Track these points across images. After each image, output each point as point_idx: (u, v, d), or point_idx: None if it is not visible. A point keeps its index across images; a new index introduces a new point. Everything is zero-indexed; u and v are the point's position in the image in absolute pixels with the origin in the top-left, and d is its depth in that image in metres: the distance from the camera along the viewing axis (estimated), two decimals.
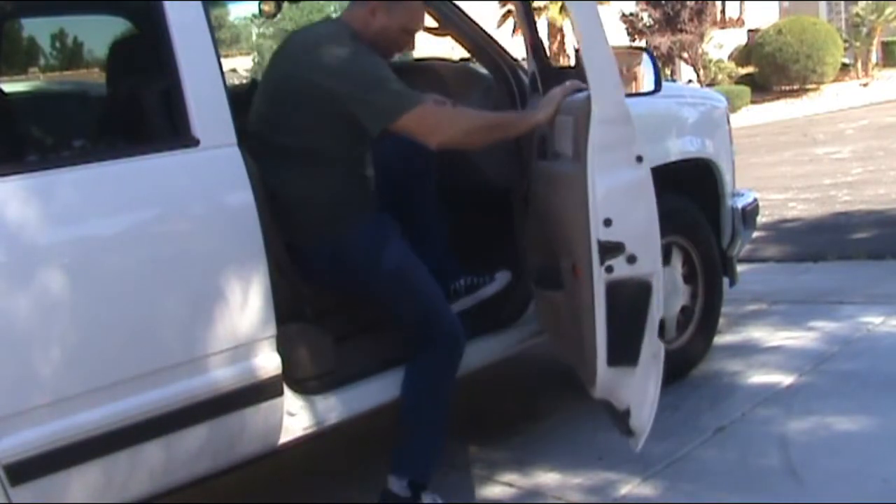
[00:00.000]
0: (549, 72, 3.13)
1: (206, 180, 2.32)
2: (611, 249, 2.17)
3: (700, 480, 2.74)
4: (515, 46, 3.47)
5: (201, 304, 2.26)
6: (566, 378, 3.63)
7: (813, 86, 21.72)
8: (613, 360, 2.27)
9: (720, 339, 3.87)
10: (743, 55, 24.04)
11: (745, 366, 3.64)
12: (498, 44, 3.26)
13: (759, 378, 3.51)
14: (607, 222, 2.17)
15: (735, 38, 25.04)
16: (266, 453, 2.47)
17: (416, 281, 2.60)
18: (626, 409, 2.33)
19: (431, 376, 2.59)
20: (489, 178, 3.14)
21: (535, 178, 2.75)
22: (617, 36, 21.14)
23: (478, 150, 2.84)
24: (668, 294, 3.14)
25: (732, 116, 4.32)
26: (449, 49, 3.19)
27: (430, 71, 3.37)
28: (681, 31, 21.72)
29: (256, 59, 41.09)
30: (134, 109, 2.53)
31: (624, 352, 2.27)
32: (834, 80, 22.08)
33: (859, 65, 23.16)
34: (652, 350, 2.27)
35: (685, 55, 22.43)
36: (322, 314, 2.65)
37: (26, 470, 2.00)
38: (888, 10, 22.59)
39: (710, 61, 23.03)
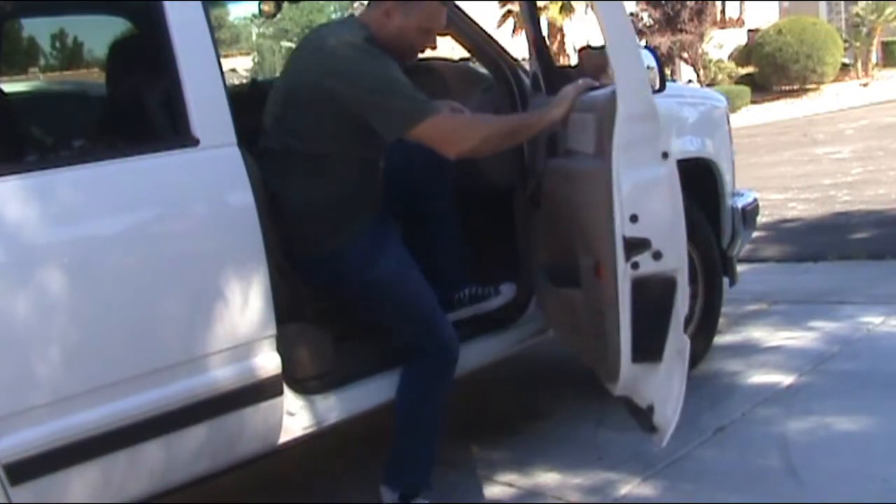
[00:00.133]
0: (552, 71, 3.13)
1: (205, 180, 2.31)
2: (637, 246, 2.18)
3: (700, 480, 2.74)
4: (515, 46, 3.47)
5: (201, 304, 2.26)
6: (566, 378, 3.64)
7: (813, 86, 21.73)
8: (638, 357, 2.27)
9: (720, 339, 3.87)
10: (743, 55, 24.05)
11: (745, 366, 3.64)
12: (498, 44, 3.26)
13: (759, 378, 3.51)
14: (633, 218, 2.17)
15: (735, 38, 25.05)
16: (266, 453, 2.47)
17: (410, 291, 2.57)
18: (650, 406, 2.33)
19: (423, 385, 2.58)
20: (490, 178, 3.14)
21: (547, 176, 2.74)
22: None
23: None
24: None
25: (732, 116, 4.33)
26: (449, 49, 3.18)
27: (431, 71, 3.36)
28: (681, 31, 21.74)
29: (256, 59, 41.13)
30: (134, 109, 2.53)
31: (648, 348, 2.27)
32: (834, 80, 22.09)
33: (859, 65, 23.17)
34: (676, 346, 2.27)
35: (685, 55, 22.44)
36: (322, 314, 2.65)
37: (26, 469, 2.00)
38: (888, 10, 22.60)
39: (710, 61, 23.04)
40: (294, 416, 2.47)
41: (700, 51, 22.38)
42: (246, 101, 2.63)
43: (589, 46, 3.25)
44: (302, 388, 2.50)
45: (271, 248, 2.36)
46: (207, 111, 2.29)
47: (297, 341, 2.49)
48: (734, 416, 3.14)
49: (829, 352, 3.71)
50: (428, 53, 2.75)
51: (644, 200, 2.18)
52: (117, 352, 2.13)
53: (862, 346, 3.75)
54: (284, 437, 2.46)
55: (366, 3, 2.71)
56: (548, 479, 2.90)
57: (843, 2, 25.38)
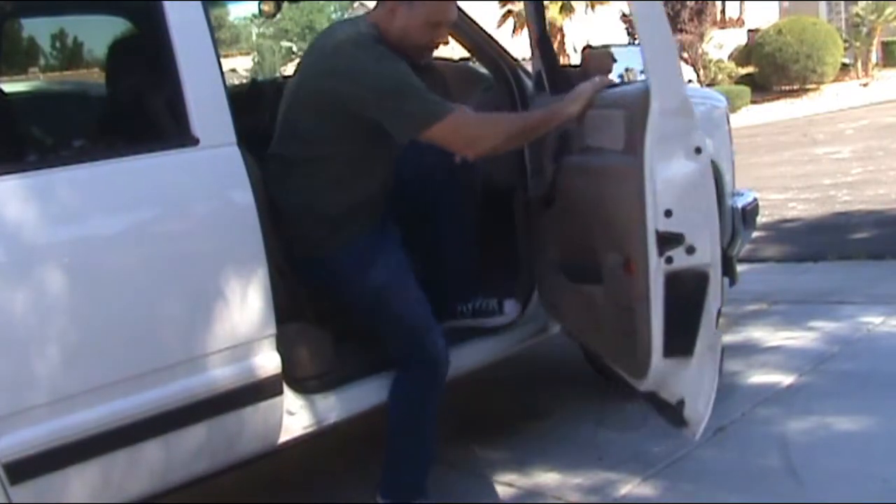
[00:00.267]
0: (556, 70, 3.12)
1: (205, 179, 2.31)
2: (670, 240, 2.18)
3: (700, 480, 2.74)
4: (515, 46, 3.47)
5: (201, 303, 2.26)
6: (566, 378, 3.64)
7: (813, 86, 21.72)
8: (668, 352, 2.27)
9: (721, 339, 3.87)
10: (743, 55, 24.05)
11: (745, 366, 3.64)
12: (498, 44, 3.26)
13: (759, 378, 3.51)
14: (668, 213, 2.17)
15: (735, 38, 25.05)
16: (266, 452, 2.47)
17: (399, 301, 2.54)
18: (680, 400, 2.34)
19: (412, 394, 2.57)
20: (488, 178, 3.13)
21: (562, 173, 2.74)
22: (617, 36, 21.14)
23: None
24: None
25: (732, 116, 4.33)
26: (449, 49, 3.18)
27: (431, 71, 3.36)
28: (681, 31, 21.71)
29: (256, 59, 41.14)
30: (133, 109, 2.53)
31: (679, 343, 2.27)
32: (834, 80, 22.08)
33: (859, 65, 23.16)
34: (708, 341, 2.27)
35: (685, 55, 22.44)
36: (322, 314, 2.65)
37: (26, 469, 2.00)
38: (888, 10, 22.58)
39: (710, 61, 23.04)
40: (294, 416, 2.47)
41: (700, 51, 22.38)
42: (246, 101, 2.63)
43: (590, 46, 3.25)
44: (302, 388, 2.50)
45: (271, 247, 2.36)
46: (207, 111, 2.29)
47: (297, 341, 2.49)
48: (734, 416, 3.14)
49: (829, 352, 3.71)
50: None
51: (678, 195, 2.18)
52: (117, 351, 2.13)
53: (862, 346, 3.75)
54: (284, 437, 2.46)
55: (366, 2, 2.71)
56: (548, 479, 2.90)
57: (843, 2, 25.36)
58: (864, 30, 23.22)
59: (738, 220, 3.74)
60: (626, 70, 2.83)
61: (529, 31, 3.19)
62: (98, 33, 3.45)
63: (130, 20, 3.01)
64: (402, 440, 2.57)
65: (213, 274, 2.27)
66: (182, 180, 2.28)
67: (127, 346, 2.15)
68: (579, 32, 22.13)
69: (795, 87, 21.74)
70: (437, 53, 2.75)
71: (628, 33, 22.63)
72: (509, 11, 23.83)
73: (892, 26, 23.41)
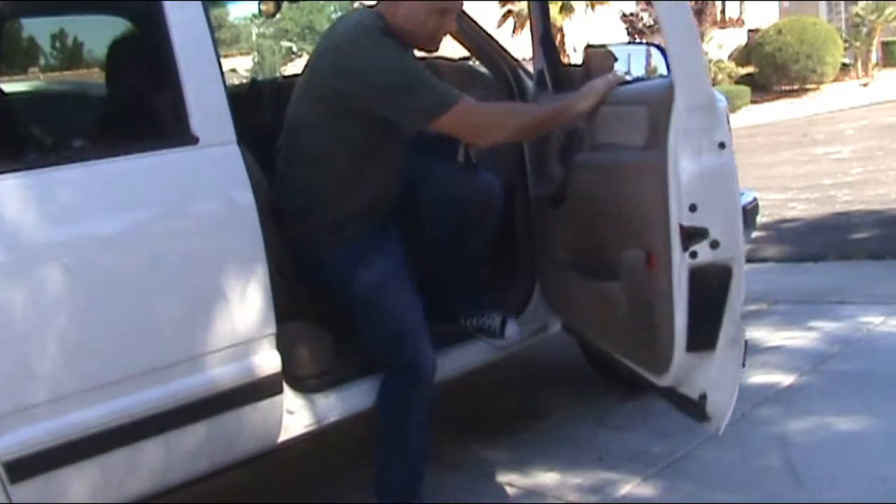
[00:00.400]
0: (558, 69, 3.12)
1: (205, 178, 2.31)
2: (695, 235, 2.19)
3: (700, 480, 2.74)
4: (516, 46, 3.47)
5: (200, 302, 2.26)
6: (566, 378, 3.64)
7: (813, 86, 21.72)
8: (692, 346, 2.27)
9: None
10: (743, 55, 24.05)
11: (745, 366, 3.63)
12: (498, 43, 3.26)
13: (759, 378, 3.50)
14: (692, 208, 2.18)
15: (735, 38, 25.05)
16: (266, 452, 2.47)
17: (390, 304, 2.50)
18: (703, 395, 2.34)
19: (396, 399, 2.54)
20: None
21: (574, 171, 2.73)
22: (617, 36, 21.14)
23: (480, 150, 2.84)
24: None
25: (732, 116, 4.31)
26: (449, 49, 3.18)
27: (430, 69, 3.36)
28: None
29: (256, 59, 41.15)
30: (133, 108, 2.53)
31: (703, 337, 2.27)
32: (834, 80, 22.08)
33: (859, 65, 23.16)
34: (731, 334, 2.28)
35: None
36: (322, 313, 2.65)
37: (26, 467, 2.00)
38: (888, 10, 22.58)
39: (710, 61, 23.04)
40: (294, 415, 2.47)
41: None
42: (246, 101, 2.63)
43: (592, 45, 3.25)
44: (302, 387, 2.50)
45: (271, 246, 2.36)
46: (207, 109, 2.29)
47: (296, 340, 2.49)
48: (734, 416, 3.10)
49: (829, 352, 3.71)
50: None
51: (702, 190, 2.19)
52: (117, 350, 2.13)
53: (862, 346, 3.75)
54: (284, 436, 2.46)
55: (366, 2, 2.71)
56: (548, 479, 2.90)
57: (843, 2, 25.35)
58: (864, 30, 23.22)
59: None
60: (625, 73, 2.84)
61: (532, 29, 3.19)
62: (98, 33, 3.45)
63: (130, 20, 3.01)
64: (390, 443, 2.55)
65: (213, 273, 2.27)
66: (182, 179, 2.28)
67: (127, 345, 2.15)
68: (579, 32, 22.13)
69: (795, 87, 21.74)
70: (436, 53, 2.75)
71: (628, 34, 22.66)
72: (509, 11, 23.83)
73: (892, 26, 23.40)
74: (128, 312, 2.15)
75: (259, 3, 3.81)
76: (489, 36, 3.23)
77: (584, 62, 3.14)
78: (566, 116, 2.58)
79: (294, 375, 2.46)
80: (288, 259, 2.54)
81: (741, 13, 26.55)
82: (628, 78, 2.58)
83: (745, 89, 21.07)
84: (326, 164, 2.47)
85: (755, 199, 4.00)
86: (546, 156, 2.95)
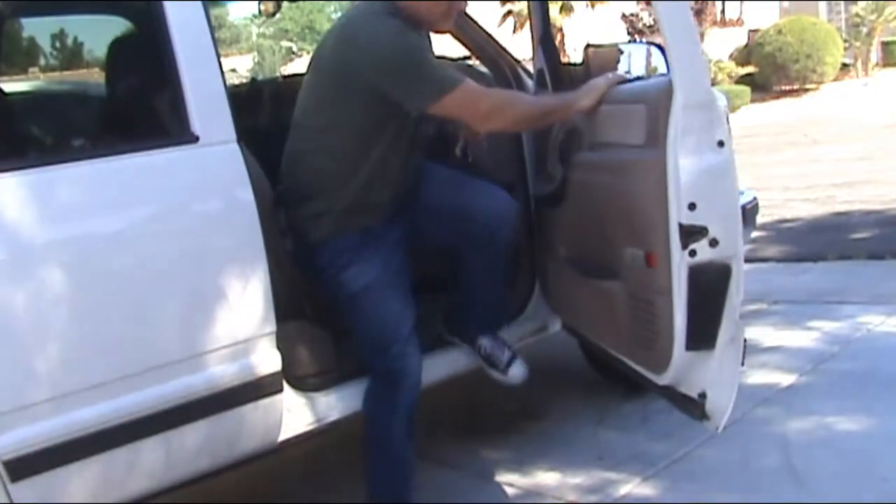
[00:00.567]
0: (558, 68, 3.12)
1: (205, 177, 2.31)
2: (694, 233, 2.19)
3: (700, 480, 2.74)
4: (515, 46, 3.47)
5: (201, 301, 2.26)
6: (566, 378, 3.64)
7: (813, 86, 21.74)
8: (691, 345, 2.28)
9: None
10: (743, 55, 24.06)
11: (745, 366, 3.63)
12: (498, 43, 3.26)
13: (759, 378, 3.51)
14: (691, 206, 2.18)
15: (735, 38, 25.05)
16: (266, 451, 2.47)
17: (377, 308, 2.46)
18: (702, 393, 2.34)
19: (378, 405, 2.53)
20: (488, 177, 3.13)
21: (574, 170, 2.74)
22: (617, 36, 21.15)
23: (479, 148, 2.83)
24: None
25: (732, 116, 4.32)
26: (449, 48, 3.19)
27: None
28: None
29: (256, 59, 41.16)
30: (133, 107, 2.53)
31: (702, 336, 2.27)
32: (834, 80, 22.10)
33: (859, 64, 23.17)
34: (730, 333, 2.28)
35: None
36: (322, 311, 2.65)
37: (26, 466, 2.00)
38: (888, 10, 22.60)
39: (710, 61, 23.04)
40: (294, 414, 2.48)
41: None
42: (246, 100, 2.62)
43: (592, 45, 3.25)
44: (302, 386, 2.50)
45: (271, 245, 2.36)
46: (207, 108, 2.29)
47: (297, 339, 2.49)
48: (734, 416, 3.11)
49: (829, 352, 3.71)
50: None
51: (701, 188, 2.19)
52: (117, 349, 2.13)
53: (862, 346, 3.75)
54: (284, 435, 2.46)
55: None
56: (548, 479, 2.90)
57: (843, 2, 25.37)
58: (864, 30, 23.24)
59: None
60: (626, 72, 2.84)
61: (532, 28, 3.19)
62: (98, 33, 3.45)
63: (130, 20, 3.01)
64: (374, 446, 2.54)
65: (213, 272, 2.27)
66: (182, 178, 2.28)
67: (127, 344, 2.15)
68: (579, 32, 22.14)
69: (795, 87, 21.76)
70: (436, 52, 2.74)
71: (628, 33, 22.66)
72: (510, 11, 23.84)
73: (892, 26, 23.42)
74: (128, 311, 2.15)
75: (259, 3, 3.81)
76: (489, 35, 3.23)
77: (583, 61, 3.15)
78: (567, 112, 2.58)
79: (294, 374, 2.47)
80: (288, 258, 2.54)
81: (741, 13, 26.56)
82: (629, 77, 2.58)
83: (745, 89, 21.09)
84: (330, 144, 2.42)
85: (755, 199, 4.01)
86: (546, 155, 2.95)
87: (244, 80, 6.87)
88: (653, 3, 2.27)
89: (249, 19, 46.59)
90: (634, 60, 2.98)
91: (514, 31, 22.51)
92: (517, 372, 2.83)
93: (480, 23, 3.24)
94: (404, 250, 2.55)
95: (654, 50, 3.10)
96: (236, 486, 2.87)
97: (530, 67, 3.28)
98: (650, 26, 22.44)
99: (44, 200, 2.06)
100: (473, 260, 2.70)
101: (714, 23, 23.51)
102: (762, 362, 3.67)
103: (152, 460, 2.20)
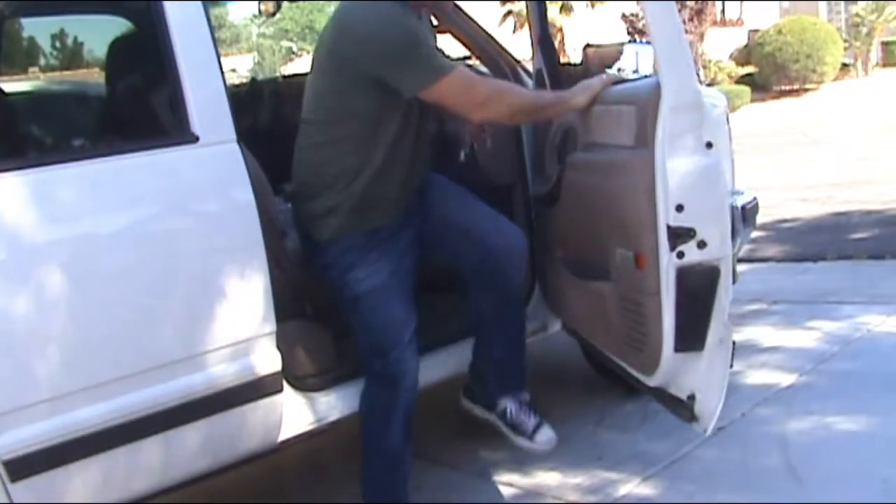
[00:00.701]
0: (556, 68, 3.13)
1: (205, 176, 2.32)
2: (682, 235, 2.19)
3: (700, 480, 2.74)
4: (515, 46, 3.47)
5: (201, 301, 2.26)
6: (566, 378, 3.64)
7: (813, 85, 21.73)
8: (680, 347, 2.28)
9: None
10: (743, 55, 24.06)
11: (745, 366, 3.63)
12: (498, 43, 3.26)
13: (759, 378, 3.51)
14: (679, 208, 2.18)
15: (735, 38, 25.05)
16: (266, 451, 2.47)
17: (377, 311, 2.44)
18: (691, 395, 2.34)
19: (374, 408, 2.52)
20: (487, 176, 3.13)
21: (568, 170, 2.74)
22: (617, 36, 21.14)
23: (479, 148, 2.83)
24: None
25: (732, 116, 4.33)
26: (449, 48, 3.19)
27: None
28: None
29: (256, 59, 41.14)
30: (133, 107, 2.53)
31: (691, 337, 2.27)
32: (834, 80, 22.09)
33: (859, 64, 23.17)
34: (719, 335, 2.28)
35: None
36: (322, 311, 2.65)
37: (26, 466, 2.00)
38: (888, 10, 22.60)
39: (710, 61, 23.05)
40: (294, 414, 2.48)
41: (700, 51, 22.38)
42: (246, 100, 2.62)
43: (591, 45, 3.25)
44: (302, 386, 2.50)
45: (271, 244, 2.36)
46: (207, 108, 2.30)
47: (297, 339, 2.49)
48: (734, 416, 3.14)
49: (829, 352, 3.71)
50: None
51: (689, 190, 2.19)
52: (117, 348, 2.13)
53: (862, 346, 3.75)
54: (284, 435, 2.46)
55: None
56: (548, 479, 2.90)
57: (843, 2, 25.37)
58: (864, 30, 23.24)
59: (738, 218, 3.73)
60: (619, 70, 2.83)
61: (531, 29, 3.20)
62: (98, 33, 3.45)
63: (130, 20, 3.01)
64: (369, 447, 2.53)
65: (213, 271, 2.27)
66: (182, 177, 2.28)
67: (127, 344, 2.15)
68: (579, 32, 22.14)
69: (795, 87, 21.75)
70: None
71: (628, 33, 22.64)
72: (510, 11, 23.84)
73: (892, 26, 23.42)
74: (128, 311, 2.15)
75: (259, 3, 3.81)
76: (489, 35, 3.23)
77: (583, 61, 3.15)
78: (561, 107, 2.57)
79: (294, 374, 2.47)
80: (288, 257, 2.54)
81: (741, 13, 26.56)
82: (625, 76, 2.57)
83: (745, 89, 21.08)
84: (335, 138, 2.39)
85: (755, 199, 4.00)
86: (545, 155, 2.95)
87: (244, 80, 6.87)
88: (640, 3, 2.27)
89: (250, 19, 46.62)
90: (642, 60, 2.97)
91: (514, 31, 22.50)
92: (545, 438, 2.74)
93: (480, 23, 3.24)
94: (413, 256, 2.52)
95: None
96: (236, 486, 2.87)
97: (531, 67, 3.28)
98: None
99: (44, 200, 2.06)
100: (484, 302, 2.65)
101: (714, 23, 23.46)
102: (762, 362, 3.67)
103: (152, 460, 2.20)
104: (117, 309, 2.13)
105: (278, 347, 2.39)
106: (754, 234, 4.17)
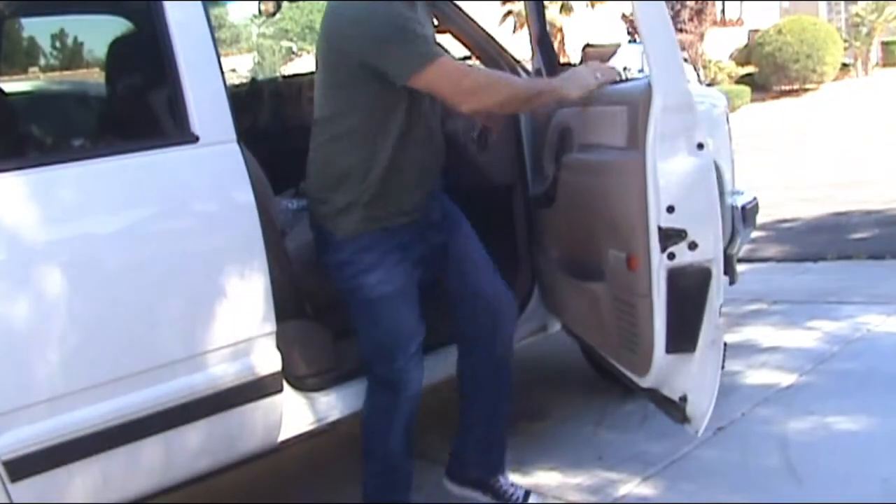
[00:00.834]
0: (555, 68, 3.13)
1: (205, 176, 2.32)
2: (673, 236, 2.19)
3: (700, 480, 2.74)
4: (516, 46, 3.47)
5: (201, 301, 2.26)
6: (566, 378, 3.64)
7: (813, 85, 21.73)
8: (671, 348, 2.28)
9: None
10: (743, 55, 24.06)
11: (745, 366, 3.63)
12: (498, 42, 3.26)
13: (759, 378, 3.51)
14: (670, 209, 2.18)
15: (735, 38, 25.05)
16: (266, 450, 2.47)
17: (391, 318, 2.42)
18: (683, 396, 2.35)
19: (376, 412, 2.51)
20: (488, 176, 3.13)
21: (563, 170, 2.74)
22: (617, 36, 21.14)
23: (478, 148, 2.83)
24: None
25: (732, 116, 4.33)
26: (449, 48, 3.19)
27: None
28: (681, 31, 21.70)
29: (256, 59, 41.12)
30: (133, 107, 2.53)
31: (682, 339, 2.28)
32: (834, 80, 22.09)
33: (859, 64, 23.17)
34: (710, 336, 2.28)
35: (685, 55, 22.43)
36: (322, 310, 2.65)
37: (26, 466, 2.00)
38: (888, 10, 22.61)
39: (710, 61, 23.05)
40: (294, 414, 2.48)
41: (700, 51, 22.39)
42: (246, 100, 2.62)
43: (590, 44, 3.26)
44: (302, 386, 2.50)
45: (271, 244, 2.36)
46: (206, 108, 2.30)
47: (296, 339, 2.49)
48: (734, 416, 3.14)
49: (829, 352, 3.71)
50: None
51: (680, 191, 2.19)
52: (117, 348, 2.13)
53: (862, 346, 3.75)
54: (284, 435, 2.46)
55: None
56: (548, 479, 2.90)
57: (843, 2, 25.38)
58: (864, 30, 23.25)
59: (738, 218, 3.74)
60: (625, 69, 2.83)
61: (529, 29, 3.20)
62: (98, 33, 3.45)
63: (130, 20, 3.01)
64: (371, 451, 2.53)
65: (213, 271, 2.27)
66: (181, 177, 2.28)
67: (127, 344, 2.15)
68: (579, 32, 22.14)
69: (795, 87, 21.76)
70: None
71: (628, 33, 22.63)
72: (510, 11, 23.84)
73: (892, 26, 23.43)
74: (128, 311, 2.15)
75: (259, 3, 3.81)
76: (489, 35, 3.23)
77: (583, 60, 3.15)
78: (552, 96, 2.50)
79: (294, 374, 2.47)
80: (287, 257, 2.54)
81: (741, 13, 26.56)
82: (621, 75, 2.56)
83: (745, 89, 21.08)
84: (342, 133, 2.36)
85: (755, 199, 4.00)
86: (543, 155, 2.95)
87: (244, 80, 6.87)
88: (631, 3, 2.26)
89: (250, 20, 46.59)
90: (634, 59, 2.97)
91: (514, 31, 22.50)
92: None
93: (480, 23, 3.24)
94: (423, 270, 2.50)
95: None
96: (236, 486, 2.87)
97: (531, 67, 3.28)
98: None
99: (44, 200, 2.06)
100: (475, 358, 2.63)
101: (714, 23, 23.46)
102: (762, 362, 3.67)
103: (152, 460, 2.20)
104: (117, 309, 2.13)
105: (278, 347, 2.39)
106: (754, 234, 4.17)
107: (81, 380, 2.08)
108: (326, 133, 2.40)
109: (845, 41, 22.85)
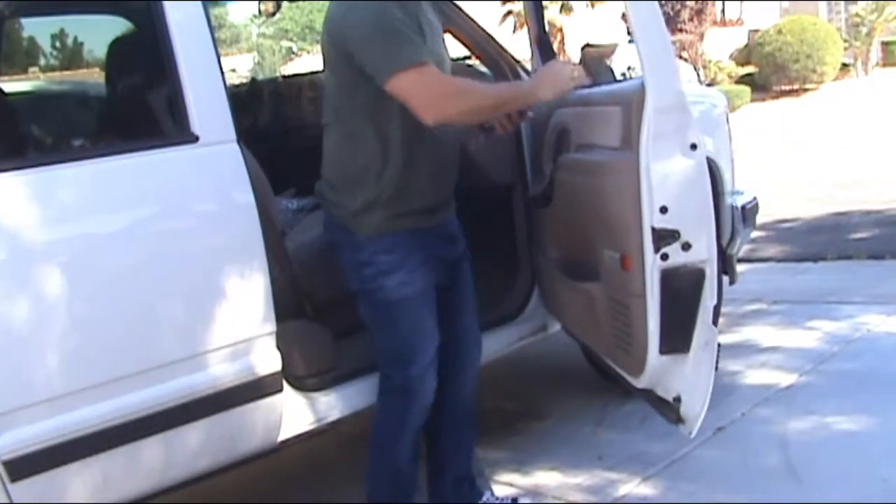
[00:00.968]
0: None
1: (204, 176, 2.32)
2: (666, 237, 2.19)
3: (700, 480, 2.74)
4: (516, 46, 3.47)
5: (200, 301, 2.26)
6: (566, 378, 3.64)
7: (813, 85, 21.73)
8: (665, 348, 2.28)
9: (720, 339, 3.85)
10: (743, 55, 24.06)
11: (745, 366, 3.64)
12: (497, 42, 3.27)
13: (759, 378, 3.51)
14: (663, 210, 2.18)
15: (735, 39, 25.06)
16: (266, 450, 2.47)
17: (410, 323, 2.39)
18: (677, 397, 2.35)
19: (389, 417, 2.50)
20: (487, 176, 3.13)
21: (560, 171, 2.74)
22: (617, 36, 21.14)
23: (478, 148, 2.83)
24: None
25: (732, 116, 4.33)
26: (448, 48, 3.19)
27: None
28: (681, 30, 21.73)
29: (256, 59, 41.13)
30: (133, 107, 2.53)
31: (676, 339, 2.28)
32: (834, 80, 22.09)
33: (859, 64, 23.17)
34: (705, 337, 2.28)
35: (685, 55, 22.44)
36: (322, 310, 2.65)
37: (26, 466, 2.00)
38: (888, 10, 22.60)
39: (710, 61, 23.05)
40: (294, 414, 2.48)
41: (700, 51, 22.39)
42: (246, 100, 2.62)
43: (590, 44, 3.25)
44: (302, 386, 2.50)
45: (271, 244, 2.36)
46: (206, 108, 2.30)
47: (297, 338, 2.49)
48: (734, 416, 3.14)
49: (829, 352, 3.71)
50: None
51: (673, 192, 2.19)
52: (117, 349, 2.13)
53: (862, 346, 3.75)
54: (284, 435, 2.47)
55: None
56: (548, 479, 2.90)
57: (843, 2, 25.37)
58: (864, 30, 23.23)
59: (738, 218, 3.74)
60: (629, 68, 2.84)
61: (529, 29, 3.20)
62: (98, 33, 3.46)
63: (130, 20, 3.01)
64: (378, 454, 2.53)
65: (213, 271, 2.27)
66: (181, 177, 2.28)
67: (127, 344, 2.15)
68: (579, 32, 22.14)
69: (795, 87, 21.75)
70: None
71: (628, 33, 22.61)
72: (510, 11, 23.84)
73: (892, 26, 23.42)
74: (128, 311, 2.15)
75: (259, 3, 3.81)
76: (489, 35, 3.23)
77: (582, 60, 3.15)
78: (525, 101, 2.43)
79: (294, 374, 2.47)
80: (287, 257, 2.53)
81: (741, 13, 26.56)
82: (587, 81, 2.54)
83: (745, 89, 21.07)
84: (348, 135, 2.34)
85: (755, 199, 4.00)
86: (541, 155, 2.96)
87: (244, 80, 6.87)
88: (624, 3, 2.26)
89: (250, 20, 46.58)
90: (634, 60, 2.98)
91: (514, 31, 22.50)
92: None
93: (480, 23, 3.25)
94: (445, 272, 2.48)
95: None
96: (236, 486, 2.87)
97: (531, 67, 3.29)
98: None
99: (43, 200, 2.06)
100: (441, 400, 2.56)
101: (714, 23, 23.47)
102: (762, 362, 3.67)
103: (152, 460, 2.20)
104: (117, 309, 2.13)
105: (278, 347, 2.39)
106: (754, 234, 4.17)
107: (81, 380, 2.08)
108: (338, 133, 2.37)
109: (845, 41, 22.85)
